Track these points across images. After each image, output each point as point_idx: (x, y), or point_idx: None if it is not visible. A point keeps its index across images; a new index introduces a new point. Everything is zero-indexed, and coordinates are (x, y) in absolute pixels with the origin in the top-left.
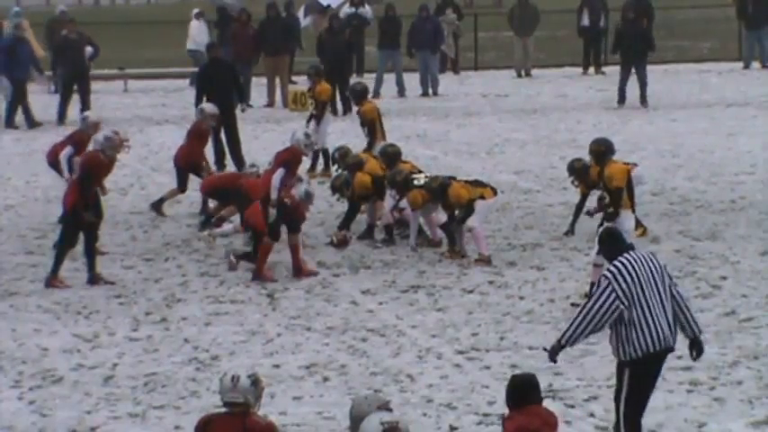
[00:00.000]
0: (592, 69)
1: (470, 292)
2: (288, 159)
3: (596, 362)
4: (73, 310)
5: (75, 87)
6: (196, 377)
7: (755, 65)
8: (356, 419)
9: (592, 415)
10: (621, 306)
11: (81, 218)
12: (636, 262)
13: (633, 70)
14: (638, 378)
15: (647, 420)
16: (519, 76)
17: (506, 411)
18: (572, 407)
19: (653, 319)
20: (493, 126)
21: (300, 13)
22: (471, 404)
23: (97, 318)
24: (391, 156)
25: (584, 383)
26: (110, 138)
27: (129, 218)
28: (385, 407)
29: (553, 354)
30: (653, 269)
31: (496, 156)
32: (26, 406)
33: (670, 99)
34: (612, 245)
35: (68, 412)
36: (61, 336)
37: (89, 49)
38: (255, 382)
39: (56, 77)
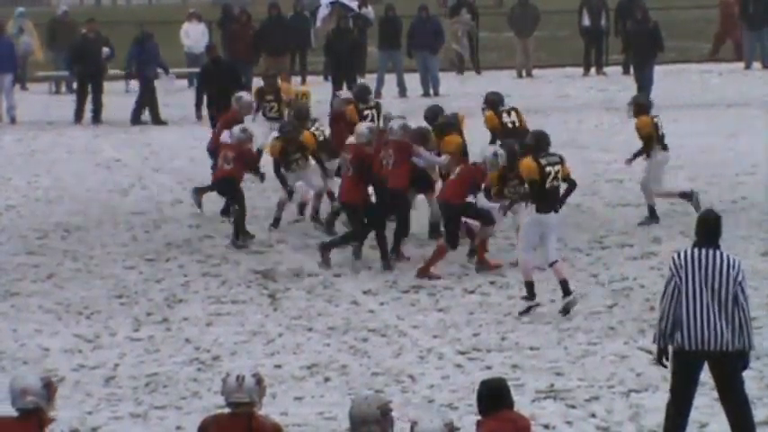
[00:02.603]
0: (593, 70)
1: (471, 292)
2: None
3: (597, 362)
4: (74, 311)
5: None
6: (197, 377)
7: (756, 65)
8: (356, 420)
9: (593, 415)
10: (677, 280)
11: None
12: (697, 258)
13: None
14: (676, 372)
15: (648, 421)
16: (520, 76)
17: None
18: (573, 407)
19: (692, 318)
20: None
21: (320, 11)
22: (472, 405)
23: (98, 318)
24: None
25: (585, 384)
26: (372, 128)
27: (130, 218)
28: (386, 407)
29: (658, 357)
30: (716, 270)
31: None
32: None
33: (671, 99)
34: (696, 231)
35: (70, 412)
36: (62, 336)
37: (106, 50)
38: (259, 381)
39: (72, 76)
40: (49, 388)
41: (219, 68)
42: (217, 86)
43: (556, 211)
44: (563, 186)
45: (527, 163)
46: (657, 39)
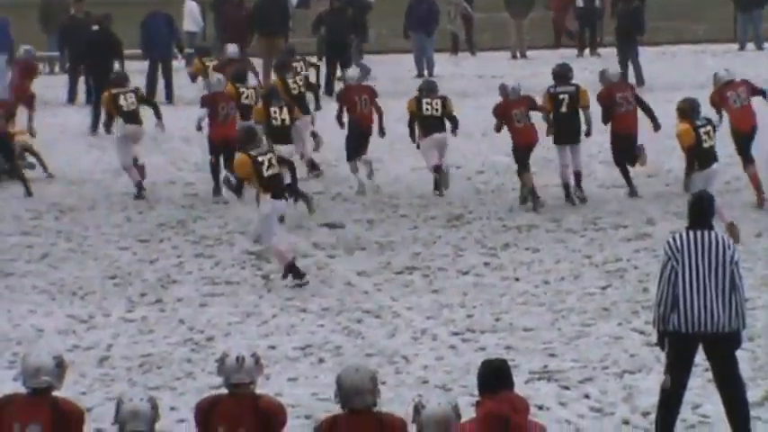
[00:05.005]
0: (587, 51)
1: (466, 273)
2: None
3: (591, 343)
4: (68, 291)
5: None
6: (191, 358)
7: (750, 46)
8: (350, 391)
9: (587, 396)
10: (674, 263)
11: None
12: (693, 241)
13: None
14: (671, 355)
15: (641, 402)
16: (514, 57)
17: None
18: (567, 388)
19: (688, 301)
20: (488, 107)
21: None
22: (467, 385)
23: (92, 299)
24: None
25: (579, 365)
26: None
27: (124, 199)
28: (375, 377)
29: (659, 342)
30: (712, 252)
31: (492, 137)
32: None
33: (665, 80)
34: (690, 213)
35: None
36: (56, 317)
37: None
38: (258, 360)
39: (63, 58)
40: (60, 366)
41: (104, 39)
42: (100, 57)
43: (287, 199)
44: None
45: None
46: (638, 21)
